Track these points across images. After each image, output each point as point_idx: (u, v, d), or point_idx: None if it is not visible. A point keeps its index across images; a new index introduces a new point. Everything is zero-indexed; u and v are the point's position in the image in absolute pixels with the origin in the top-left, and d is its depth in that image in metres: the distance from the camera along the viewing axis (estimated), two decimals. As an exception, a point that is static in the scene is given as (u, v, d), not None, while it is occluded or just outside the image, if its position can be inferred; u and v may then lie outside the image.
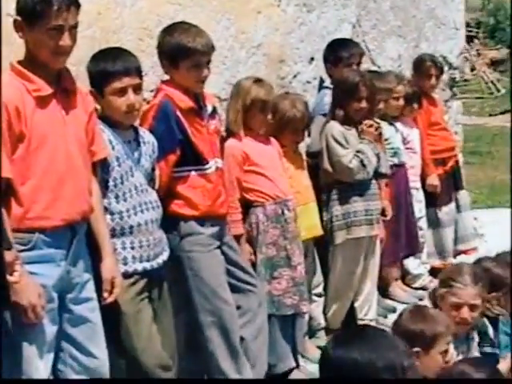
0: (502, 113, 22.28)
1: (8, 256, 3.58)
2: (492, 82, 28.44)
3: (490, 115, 22.28)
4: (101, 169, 4.24)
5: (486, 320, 5.25)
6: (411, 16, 7.84)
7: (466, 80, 29.52)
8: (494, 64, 31.40)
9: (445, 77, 8.55)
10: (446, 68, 8.53)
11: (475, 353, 5.04)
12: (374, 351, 3.19)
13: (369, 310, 6.29)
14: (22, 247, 3.77)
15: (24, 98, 3.81)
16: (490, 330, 5.27)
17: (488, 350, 5.17)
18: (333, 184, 6.01)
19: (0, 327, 3.72)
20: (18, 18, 3.81)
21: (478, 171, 14.67)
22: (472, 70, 29.86)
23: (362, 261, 6.15)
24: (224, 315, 4.81)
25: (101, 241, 4.14)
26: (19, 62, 3.88)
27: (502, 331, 5.39)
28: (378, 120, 6.34)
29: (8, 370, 3.85)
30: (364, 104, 5.94)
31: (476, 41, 31.93)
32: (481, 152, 16.87)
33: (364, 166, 5.94)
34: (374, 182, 6.12)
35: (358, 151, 5.92)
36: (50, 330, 3.90)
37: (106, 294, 4.13)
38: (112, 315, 4.25)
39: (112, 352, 4.22)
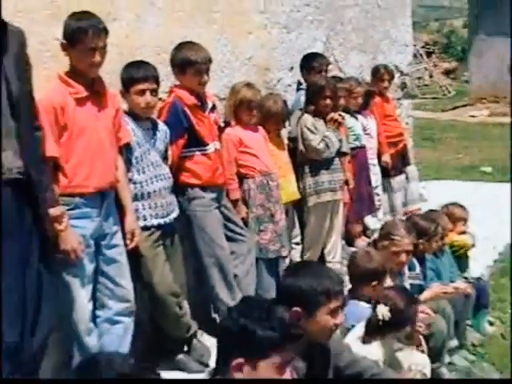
0: (451, 109, 22.07)
1: (57, 211, 3.59)
2: (445, 86, 28.12)
3: (442, 111, 22.04)
4: (125, 150, 4.25)
5: (414, 259, 5.27)
6: (370, 36, 7.76)
7: (425, 85, 29.37)
8: (447, 73, 31.12)
9: (397, 81, 8.47)
10: (397, 74, 8.43)
11: (407, 285, 5.04)
12: (314, 279, 3.22)
13: (335, 254, 6.22)
14: (66, 207, 3.78)
15: (67, 99, 3.85)
16: (417, 267, 5.30)
17: (416, 282, 5.19)
18: (306, 161, 5.95)
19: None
20: (64, 42, 3.87)
21: (430, 153, 14.58)
22: (430, 76, 29.58)
23: (328, 218, 6.08)
24: (221, 258, 4.80)
25: (125, 203, 4.16)
26: (65, 73, 3.91)
27: (429, 267, 5.40)
28: (342, 113, 6.27)
29: (59, 301, 3.84)
30: (328, 101, 5.88)
31: (433, 55, 31.60)
32: (433, 139, 16.71)
33: (328, 147, 5.89)
34: (336, 159, 6.06)
35: (324, 136, 5.85)
36: (89, 267, 3.94)
37: (128, 242, 4.16)
38: (135, 258, 4.27)
39: (136, 285, 4.26)
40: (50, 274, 3.56)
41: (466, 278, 5.82)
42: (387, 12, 8.09)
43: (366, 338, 3.98)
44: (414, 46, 29.55)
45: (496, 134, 16.97)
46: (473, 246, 6.09)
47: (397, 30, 8.31)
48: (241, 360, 2.63)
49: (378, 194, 7.26)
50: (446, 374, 4.90)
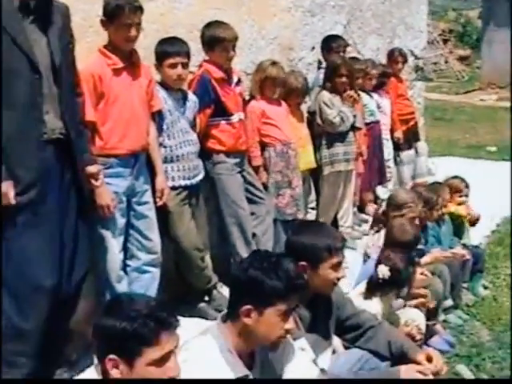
0: (463, 93, 21.78)
1: (93, 168, 3.63)
2: (459, 71, 27.75)
3: (456, 94, 21.77)
4: (157, 117, 4.25)
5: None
6: (387, 21, 7.63)
7: (441, 69, 29.00)
8: (462, 59, 30.62)
9: (411, 64, 8.38)
10: (412, 58, 8.34)
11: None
12: (318, 237, 3.21)
13: (346, 220, 6.21)
14: (102, 167, 3.79)
15: (104, 69, 3.87)
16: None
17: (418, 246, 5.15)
18: (322, 134, 5.92)
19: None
20: (103, 18, 3.88)
21: (441, 132, 14.43)
22: (446, 62, 29.16)
23: (341, 186, 6.07)
24: (241, 217, 4.79)
25: (155, 164, 4.17)
26: (104, 46, 3.92)
27: (430, 234, 5.37)
28: (359, 92, 6.29)
29: (94, 250, 3.92)
30: (344, 79, 5.84)
31: (449, 42, 31.10)
32: (445, 119, 16.53)
33: (343, 121, 5.86)
34: (351, 133, 6.01)
35: (340, 111, 5.82)
36: (121, 221, 3.97)
37: (158, 200, 4.17)
38: (164, 215, 4.31)
39: (164, 240, 4.29)
40: (85, 227, 3.63)
41: (464, 245, 5.77)
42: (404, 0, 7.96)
43: (367, 294, 3.98)
44: (432, 33, 29.35)
45: (502, 116, 16.73)
46: (469, 215, 6.00)
47: (412, 17, 8.16)
48: (249, 307, 2.65)
49: (389, 167, 7.22)
50: (441, 330, 4.89)
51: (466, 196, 6.05)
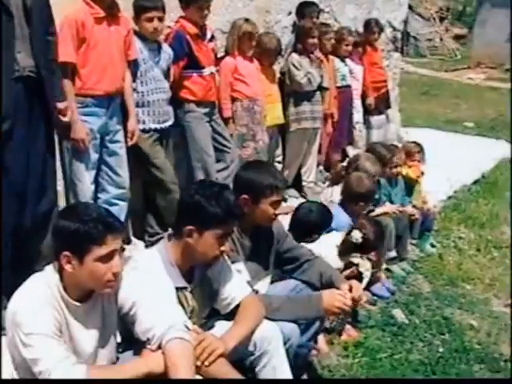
0: (453, 70, 22.07)
1: (62, 105, 3.90)
2: (453, 49, 27.97)
3: (445, 71, 22.05)
4: (133, 64, 4.61)
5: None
6: None
7: (435, 46, 29.21)
8: (458, 38, 30.77)
9: (389, 35, 8.73)
10: (390, 29, 8.70)
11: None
12: (262, 175, 3.52)
13: (309, 175, 6.59)
14: (80, 105, 4.21)
15: (87, 17, 4.23)
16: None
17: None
18: (290, 93, 6.25)
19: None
20: None
21: (424, 105, 14.82)
22: (441, 40, 29.37)
23: (306, 143, 6.42)
24: (207, 163, 5.17)
25: (128, 108, 4.56)
26: None
27: (382, 192, 5.76)
28: (332, 56, 6.69)
29: (70, 178, 4.34)
30: (313, 41, 6.19)
31: (446, 20, 31.23)
32: (430, 94, 16.92)
33: (310, 82, 6.20)
34: (318, 93, 6.36)
35: (307, 72, 6.15)
36: (94, 156, 4.37)
37: (128, 140, 4.57)
38: (140, 156, 4.72)
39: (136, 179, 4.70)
40: (53, 161, 3.93)
41: (415, 206, 6.18)
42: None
43: (343, 255, 4.44)
44: (429, 9, 29.53)
45: (487, 96, 17.15)
46: (418, 178, 6.37)
47: None
48: (191, 227, 3.04)
49: (360, 130, 7.58)
50: (383, 278, 5.34)
51: (419, 161, 6.42)
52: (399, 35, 8.98)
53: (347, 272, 4.43)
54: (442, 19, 30.42)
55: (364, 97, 7.66)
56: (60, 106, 3.85)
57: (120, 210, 4.59)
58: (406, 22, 29.07)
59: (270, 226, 3.70)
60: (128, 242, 4.86)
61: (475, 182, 8.39)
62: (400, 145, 6.70)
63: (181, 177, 5.15)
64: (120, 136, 4.53)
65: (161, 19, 4.66)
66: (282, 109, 6.20)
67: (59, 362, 2.49)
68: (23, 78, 3.58)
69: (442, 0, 33.20)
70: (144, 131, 4.72)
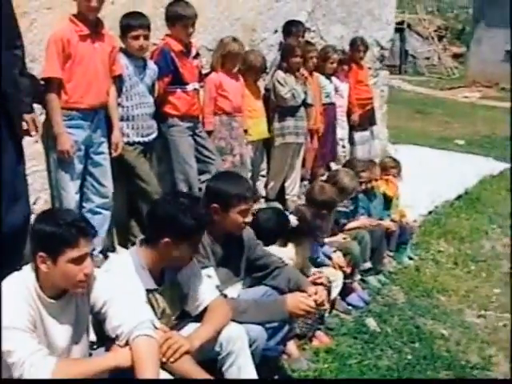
0: (448, 89, 22.38)
1: (28, 117, 3.84)
2: (450, 68, 28.32)
3: (441, 89, 22.37)
4: (118, 80, 4.81)
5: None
6: (353, 12, 8.14)
7: (433, 65, 29.61)
8: (456, 56, 31.16)
9: (377, 54, 8.94)
10: (378, 48, 8.91)
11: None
12: (231, 185, 3.74)
13: (293, 189, 6.76)
14: (65, 118, 4.43)
15: (73, 34, 4.44)
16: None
17: (343, 209, 5.75)
18: (275, 108, 6.44)
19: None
20: None
21: (417, 123, 15.07)
22: (439, 58, 29.74)
23: (290, 158, 6.59)
24: (189, 174, 5.32)
25: (113, 121, 4.75)
26: (73, 15, 4.48)
27: (360, 206, 6.00)
28: (317, 74, 6.90)
29: (56, 187, 4.55)
30: (298, 60, 6.37)
31: (444, 39, 31.64)
32: (424, 112, 17.17)
33: (294, 97, 6.37)
34: (302, 109, 6.53)
35: (292, 89, 6.33)
36: (78, 166, 4.57)
37: (113, 151, 4.75)
38: (127, 167, 4.91)
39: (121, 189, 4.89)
40: (23, 173, 3.89)
41: (392, 220, 6.41)
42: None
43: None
44: (427, 28, 29.86)
45: (481, 114, 17.42)
46: (394, 194, 6.58)
47: (380, 9, 8.70)
48: (168, 240, 3.22)
49: (344, 146, 7.74)
50: (358, 288, 5.55)
51: (394, 176, 6.64)
52: (386, 53, 9.20)
53: (316, 277, 4.56)
54: (440, 38, 30.85)
55: (349, 113, 7.84)
56: (27, 117, 3.84)
57: (104, 218, 4.80)
58: (403, 40, 29.62)
59: (240, 233, 3.91)
60: (113, 249, 5.08)
61: (458, 198, 8.61)
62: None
63: (164, 187, 5.32)
64: (104, 148, 4.72)
65: (146, 37, 4.86)
66: (266, 124, 6.39)
67: (31, 353, 2.70)
68: None
69: (440, 19, 33.69)
70: (128, 144, 4.92)
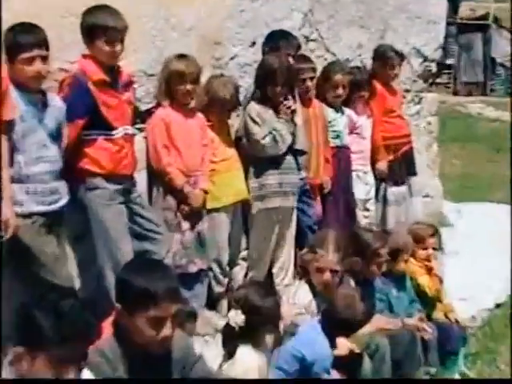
0: None
1: None
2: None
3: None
4: (7, 126, 4.82)
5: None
6: (375, 8, 8.34)
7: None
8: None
9: (418, 69, 9.19)
10: (420, 60, 9.14)
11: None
12: (139, 277, 3.84)
13: (285, 276, 6.88)
14: None
15: None
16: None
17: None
18: (249, 158, 6.62)
19: None
20: None
21: (489, 167, 15.01)
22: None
23: (276, 229, 6.73)
24: (120, 260, 5.38)
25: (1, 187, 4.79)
26: None
27: (377, 298, 6.16)
28: (322, 104, 7.21)
29: None
30: (279, 89, 6.52)
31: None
32: (503, 149, 17.13)
33: (277, 142, 6.52)
34: (289, 157, 6.70)
35: (273, 129, 6.49)
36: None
37: (3, 233, 4.79)
38: (21, 251, 4.97)
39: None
40: None
41: (428, 316, 6.58)
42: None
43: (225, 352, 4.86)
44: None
45: None
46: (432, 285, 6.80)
47: (420, 3, 8.95)
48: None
49: (368, 210, 7.97)
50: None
51: (434, 249, 6.87)
52: (434, 68, 9.41)
53: None
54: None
55: (374, 161, 8.05)
56: None
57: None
58: (488, 43, 29.19)
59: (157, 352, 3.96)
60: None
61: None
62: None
63: (85, 278, 5.57)
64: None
65: (44, 59, 5.00)
66: (244, 180, 6.60)
67: None
68: None
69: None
70: (26, 216, 4.99)
